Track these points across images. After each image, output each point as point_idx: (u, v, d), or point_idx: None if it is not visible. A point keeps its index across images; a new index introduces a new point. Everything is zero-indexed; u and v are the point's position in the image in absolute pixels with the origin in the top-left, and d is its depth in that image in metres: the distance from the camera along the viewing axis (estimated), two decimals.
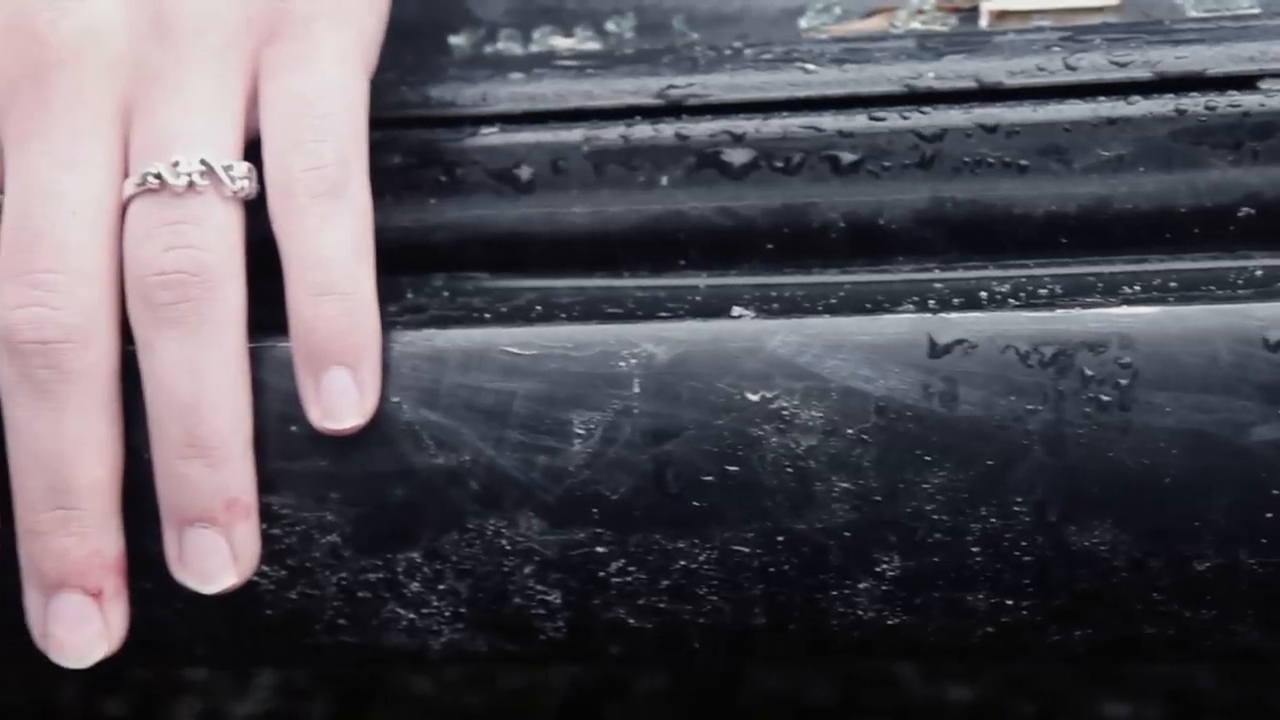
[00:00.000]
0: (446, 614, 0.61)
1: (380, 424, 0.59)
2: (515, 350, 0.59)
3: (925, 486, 0.58)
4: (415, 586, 0.60)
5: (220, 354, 0.59)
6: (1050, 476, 0.57)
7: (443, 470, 0.59)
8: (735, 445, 0.58)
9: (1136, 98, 0.61)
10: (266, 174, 0.60)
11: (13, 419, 0.59)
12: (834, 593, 0.59)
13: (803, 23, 0.66)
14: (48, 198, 0.59)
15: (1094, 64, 0.61)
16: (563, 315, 0.60)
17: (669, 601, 0.60)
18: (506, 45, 0.67)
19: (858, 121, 0.62)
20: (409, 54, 0.65)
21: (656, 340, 0.59)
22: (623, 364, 0.59)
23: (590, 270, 0.63)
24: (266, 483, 0.60)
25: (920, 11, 0.66)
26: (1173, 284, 0.59)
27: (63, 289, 0.59)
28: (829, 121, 0.62)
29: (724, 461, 0.58)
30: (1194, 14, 0.64)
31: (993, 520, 0.58)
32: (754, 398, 0.58)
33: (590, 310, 0.60)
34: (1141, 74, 0.61)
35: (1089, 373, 0.57)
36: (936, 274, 0.61)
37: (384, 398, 0.59)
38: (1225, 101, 0.60)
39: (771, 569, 0.59)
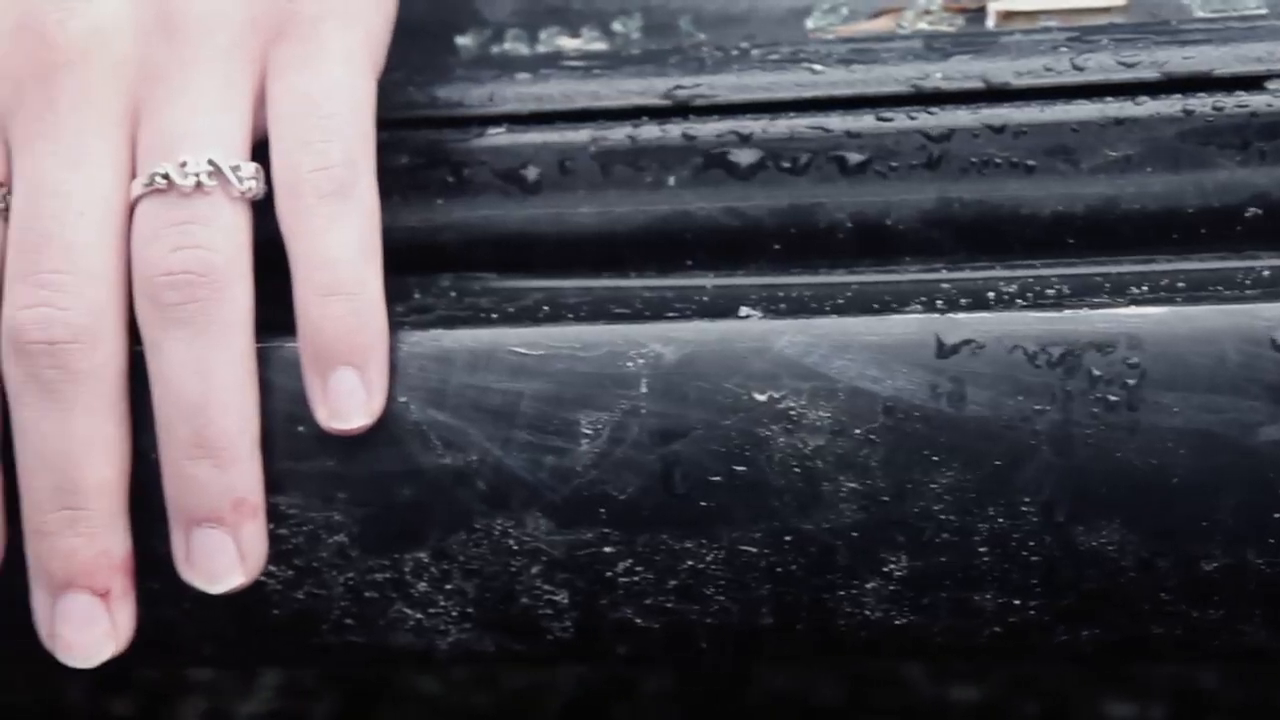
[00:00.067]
0: (454, 614, 0.61)
1: (388, 424, 0.59)
2: (523, 350, 0.59)
3: (933, 486, 0.58)
4: (422, 586, 0.60)
5: (228, 354, 0.59)
6: (1058, 477, 0.57)
7: (450, 470, 0.59)
8: (743, 445, 0.58)
9: (1144, 98, 0.61)
10: (274, 174, 0.60)
11: (20, 419, 0.59)
12: (841, 593, 0.59)
13: (809, 23, 0.66)
14: (55, 198, 0.59)
15: (1101, 64, 0.61)
16: (570, 315, 0.60)
17: (676, 601, 0.60)
18: (513, 46, 0.67)
19: (865, 122, 0.62)
20: (416, 54, 0.65)
21: (664, 340, 0.59)
22: (630, 364, 0.59)
23: (597, 270, 0.63)
24: (274, 483, 0.60)
25: (927, 12, 0.66)
26: (1180, 284, 0.59)
27: (70, 289, 0.59)
28: (836, 122, 0.62)
29: (731, 461, 0.58)
30: (1201, 14, 0.64)
31: (1000, 520, 0.58)
32: (761, 398, 0.58)
33: (598, 310, 0.60)
34: (1149, 74, 0.61)
35: (1097, 373, 0.57)
36: (944, 274, 0.61)
37: (391, 398, 0.59)
38: (1232, 102, 0.60)
39: (779, 569, 0.59)
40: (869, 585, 0.59)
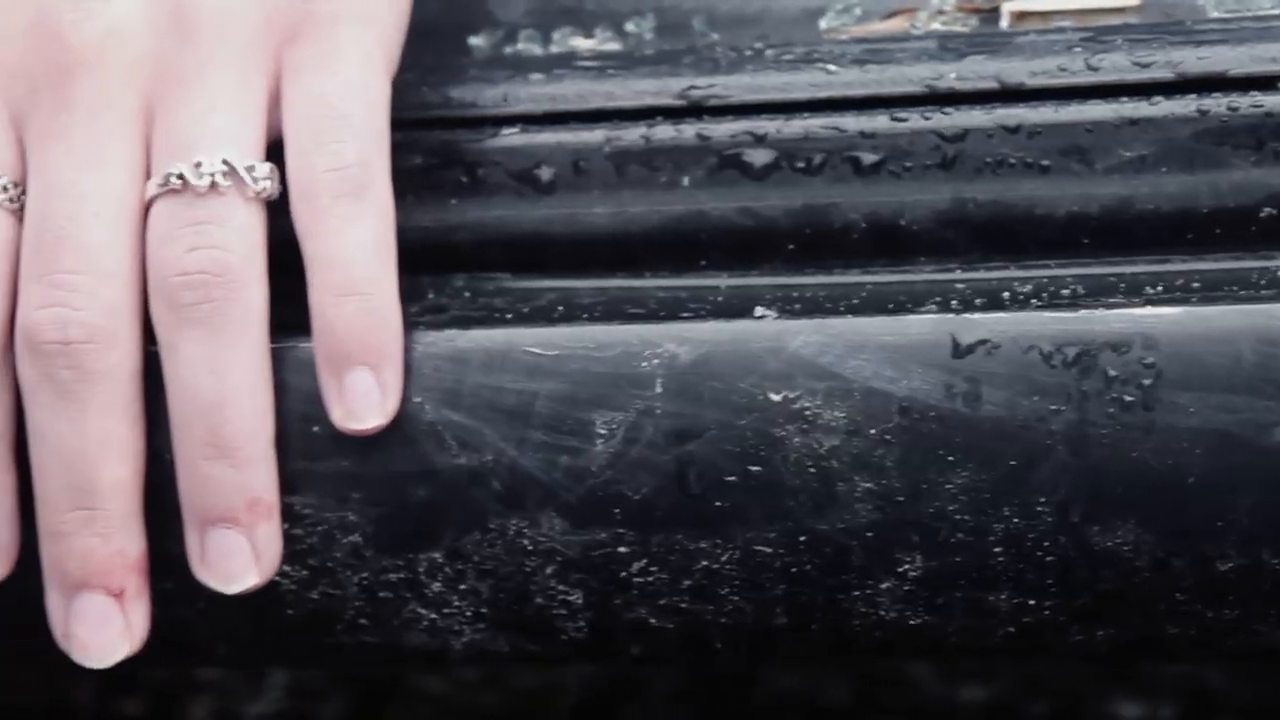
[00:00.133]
0: (468, 614, 0.61)
1: (402, 424, 0.59)
2: (537, 350, 0.59)
3: (948, 487, 0.58)
4: (437, 586, 0.60)
5: (243, 354, 0.59)
6: (1073, 477, 0.57)
7: (465, 470, 0.59)
8: (757, 445, 0.58)
9: (1158, 98, 0.61)
10: (289, 174, 0.60)
11: (35, 419, 0.59)
12: (856, 593, 0.59)
13: (823, 24, 0.66)
14: (70, 198, 0.59)
15: (1116, 64, 0.61)
16: (585, 316, 0.60)
17: (691, 602, 0.60)
18: (527, 46, 0.67)
19: (879, 122, 0.62)
20: (430, 54, 0.65)
21: (679, 340, 0.59)
22: (645, 364, 0.59)
23: (612, 271, 0.63)
24: (289, 483, 0.60)
25: (941, 12, 0.66)
26: (1195, 284, 0.59)
27: (85, 289, 0.59)
28: (850, 122, 0.62)
29: (746, 462, 0.58)
30: (1216, 14, 0.64)
31: (1015, 520, 0.58)
32: (776, 398, 0.58)
33: (612, 311, 0.60)
34: (1163, 74, 0.61)
35: (1112, 373, 0.57)
36: (959, 274, 0.61)
37: (406, 398, 0.59)
38: (1247, 102, 0.60)
39: (793, 569, 0.59)
40: (884, 585, 0.59)
